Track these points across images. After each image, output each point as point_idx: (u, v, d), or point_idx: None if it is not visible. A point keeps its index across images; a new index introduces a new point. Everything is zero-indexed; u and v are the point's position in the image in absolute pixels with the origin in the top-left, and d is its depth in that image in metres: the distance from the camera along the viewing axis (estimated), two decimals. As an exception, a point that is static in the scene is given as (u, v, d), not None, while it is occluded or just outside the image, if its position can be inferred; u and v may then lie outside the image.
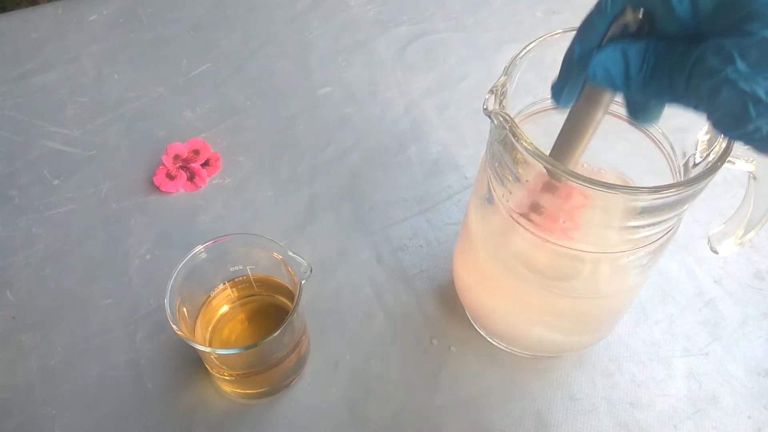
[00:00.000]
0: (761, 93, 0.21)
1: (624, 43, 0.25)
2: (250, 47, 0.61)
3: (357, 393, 0.41)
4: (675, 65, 0.23)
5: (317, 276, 0.46)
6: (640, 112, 0.28)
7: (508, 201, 0.33)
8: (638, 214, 0.29)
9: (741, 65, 0.21)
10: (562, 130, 0.29)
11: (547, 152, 0.29)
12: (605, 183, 0.27)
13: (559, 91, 0.28)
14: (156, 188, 0.51)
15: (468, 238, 0.39)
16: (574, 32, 0.27)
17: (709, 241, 0.36)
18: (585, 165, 0.38)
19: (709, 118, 0.23)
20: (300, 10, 0.65)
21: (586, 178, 0.27)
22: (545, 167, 0.28)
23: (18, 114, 0.56)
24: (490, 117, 0.29)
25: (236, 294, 0.41)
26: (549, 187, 0.30)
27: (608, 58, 0.25)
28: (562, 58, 0.27)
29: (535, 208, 0.31)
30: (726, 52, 0.21)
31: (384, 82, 0.59)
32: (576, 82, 0.27)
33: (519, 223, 0.32)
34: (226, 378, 0.39)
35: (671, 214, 0.29)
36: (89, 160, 0.53)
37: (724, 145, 0.28)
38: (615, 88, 0.26)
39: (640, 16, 0.24)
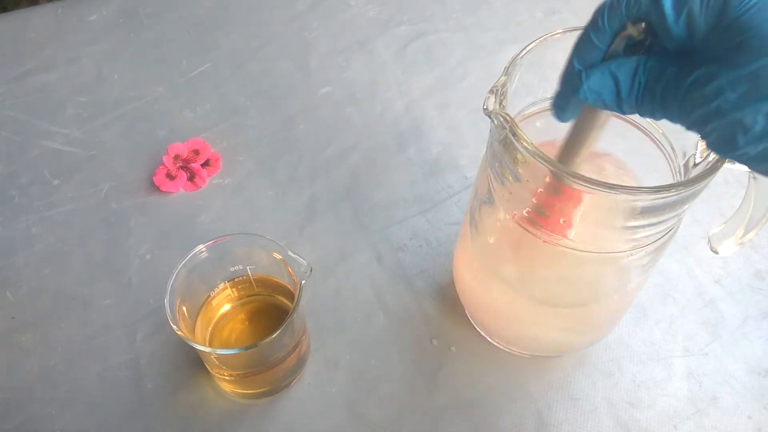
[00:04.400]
0: (749, 122, 0.22)
1: (613, 65, 0.25)
2: (250, 47, 0.61)
3: (357, 393, 0.41)
4: (667, 89, 0.24)
5: (317, 276, 0.46)
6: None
7: (508, 201, 0.33)
8: (638, 214, 0.29)
9: (731, 96, 0.22)
10: (566, 135, 0.29)
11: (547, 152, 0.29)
12: (605, 183, 0.27)
13: (561, 108, 0.28)
14: (156, 188, 0.51)
15: (468, 238, 0.39)
16: (575, 32, 0.27)
17: (709, 241, 0.36)
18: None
19: (703, 138, 0.24)
20: (300, 10, 0.65)
21: (587, 178, 0.27)
22: (545, 167, 0.28)
23: (18, 114, 0.56)
24: (490, 117, 0.29)
25: (236, 294, 0.41)
26: (553, 190, 0.30)
27: (598, 83, 0.25)
28: (562, 61, 0.27)
29: (540, 210, 0.31)
30: (717, 83, 0.22)
31: (384, 82, 0.59)
32: (577, 98, 0.27)
33: (520, 225, 0.32)
34: (226, 378, 0.39)
35: (671, 214, 0.29)
36: (89, 160, 0.53)
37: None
38: (607, 109, 0.26)
39: (643, 27, 0.25)
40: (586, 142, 0.28)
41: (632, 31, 0.25)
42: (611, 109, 0.26)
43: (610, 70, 0.25)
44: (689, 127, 0.24)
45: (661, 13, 0.23)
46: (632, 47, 0.25)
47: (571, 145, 0.29)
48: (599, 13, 0.25)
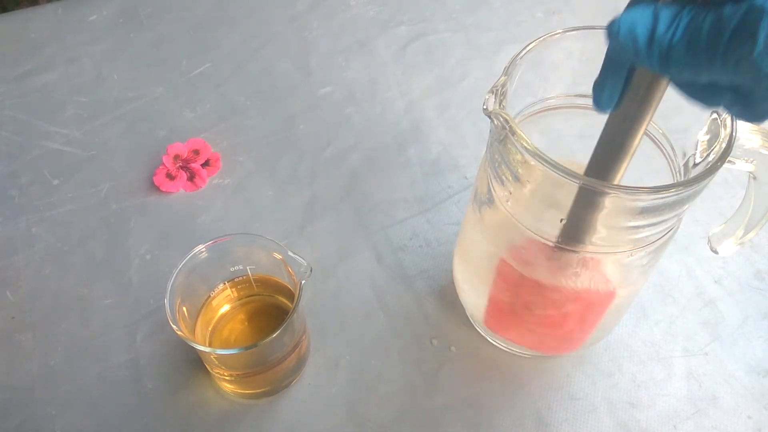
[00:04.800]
0: None
1: (659, 5, 0.23)
2: (250, 47, 0.61)
3: (357, 393, 0.41)
4: (713, 28, 0.21)
5: (317, 276, 0.46)
6: (690, 90, 0.25)
7: (508, 201, 0.33)
8: (638, 215, 0.29)
9: None
10: (598, 143, 0.28)
11: (547, 152, 0.29)
12: (605, 183, 0.27)
13: (600, 87, 0.26)
14: (156, 188, 0.51)
15: (467, 239, 0.39)
16: (575, 32, 0.27)
17: (709, 241, 0.36)
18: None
19: (750, 89, 0.21)
20: (300, 10, 0.65)
21: (586, 178, 0.27)
22: (545, 167, 0.28)
23: (18, 114, 0.56)
24: (490, 117, 0.29)
25: (236, 294, 0.41)
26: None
27: (636, 14, 0.23)
28: (562, 61, 0.27)
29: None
30: None
31: (384, 82, 0.59)
32: (618, 74, 0.25)
33: (520, 224, 0.32)
34: (226, 378, 0.39)
35: (671, 215, 0.29)
36: (89, 160, 0.53)
37: (724, 145, 0.28)
38: (636, 52, 0.23)
39: None
40: (625, 153, 0.27)
41: None
42: (641, 54, 0.23)
43: (653, 6, 0.23)
44: (732, 78, 0.22)
45: None
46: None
47: (606, 159, 0.27)
48: None
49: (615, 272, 0.35)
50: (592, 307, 0.36)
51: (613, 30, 0.24)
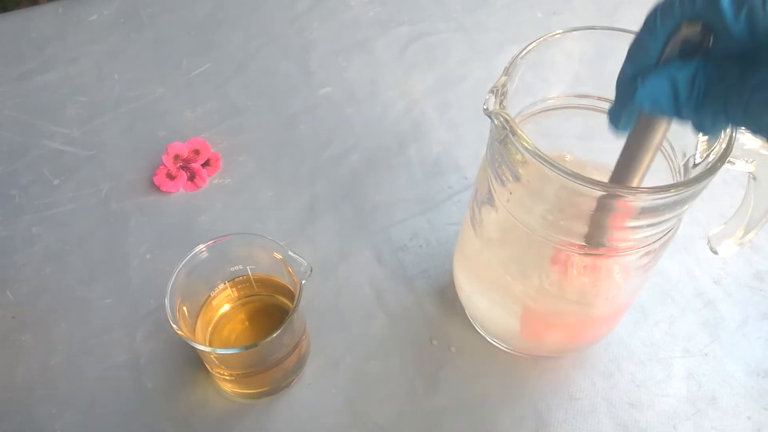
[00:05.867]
0: None
1: (671, 69, 0.23)
2: (250, 47, 0.61)
3: (357, 393, 0.41)
4: (730, 92, 0.22)
5: (318, 276, 0.46)
6: (703, 128, 0.26)
7: (508, 201, 0.33)
8: (638, 215, 0.29)
9: None
10: (621, 154, 0.28)
11: (548, 152, 0.29)
12: (605, 184, 0.27)
13: (616, 116, 0.26)
14: (156, 188, 0.51)
15: (467, 239, 0.39)
16: (575, 32, 0.27)
17: (708, 241, 0.36)
18: (568, 158, 0.38)
19: None
20: (300, 11, 0.65)
21: (586, 177, 0.27)
22: (544, 167, 0.28)
23: (18, 114, 0.56)
24: (490, 117, 0.29)
25: (236, 294, 0.41)
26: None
27: (655, 87, 0.23)
28: (562, 61, 0.27)
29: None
30: None
31: (384, 83, 0.59)
32: (633, 105, 0.25)
33: (521, 224, 0.32)
34: (226, 378, 0.39)
35: (671, 215, 0.29)
36: (89, 160, 0.53)
37: (724, 145, 0.28)
38: (666, 116, 0.24)
39: (699, 27, 0.23)
40: (643, 157, 0.27)
41: (688, 31, 0.23)
42: (670, 116, 0.24)
43: (667, 74, 0.23)
44: (757, 132, 0.22)
45: (719, 10, 0.21)
46: (689, 51, 0.24)
47: (627, 163, 0.28)
48: (652, 13, 0.24)
49: (614, 273, 0.35)
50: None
51: (636, 104, 0.24)
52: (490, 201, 0.34)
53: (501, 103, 0.30)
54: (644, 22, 0.24)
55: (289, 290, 0.40)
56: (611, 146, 0.29)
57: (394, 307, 0.45)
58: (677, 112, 0.24)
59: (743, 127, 0.23)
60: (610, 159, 0.29)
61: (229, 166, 0.53)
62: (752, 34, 0.21)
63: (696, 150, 0.30)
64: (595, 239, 0.31)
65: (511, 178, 0.31)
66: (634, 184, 0.28)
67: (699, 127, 0.26)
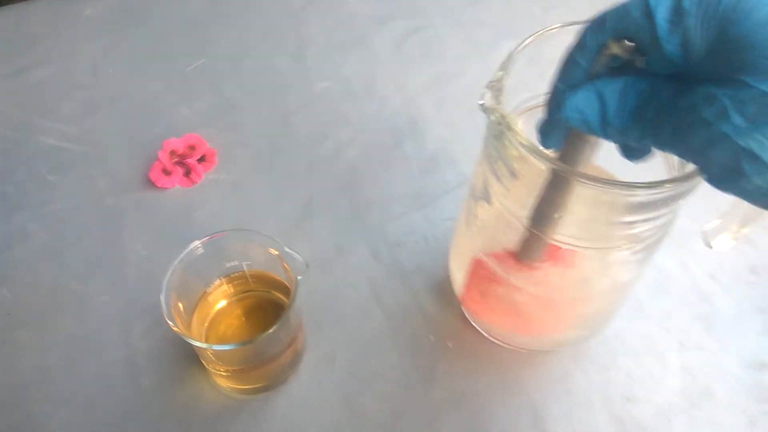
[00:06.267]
0: (757, 149, 0.19)
1: (600, 83, 0.23)
2: (246, 43, 0.61)
3: (353, 389, 0.41)
4: (660, 112, 0.22)
5: (314, 272, 0.46)
6: (628, 150, 0.27)
7: (504, 197, 0.33)
8: (634, 210, 0.29)
9: (737, 119, 0.19)
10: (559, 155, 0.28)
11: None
12: (601, 179, 0.27)
13: (546, 132, 0.27)
14: (152, 184, 0.51)
15: (464, 234, 0.39)
16: (572, 27, 0.27)
17: (704, 236, 0.37)
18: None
19: (700, 170, 0.22)
20: (297, 6, 0.64)
21: (582, 173, 0.27)
22: (541, 163, 0.28)
23: (14, 110, 0.55)
24: (486, 112, 0.29)
25: (232, 290, 0.41)
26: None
27: (582, 101, 0.23)
28: (559, 56, 0.27)
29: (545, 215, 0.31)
30: (720, 105, 0.20)
31: (381, 78, 0.59)
32: (561, 120, 0.25)
33: (516, 219, 0.32)
34: (222, 374, 0.39)
35: (667, 210, 0.29)
36: (85, 156, 0.53)
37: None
38: (591, 132, 0.24)
39: (627, 45, 0.23)
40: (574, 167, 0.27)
41: (616, 49, 0.23)
42: (595, 133, 0.24)
43: (595, 89, 0.23)
44: (684, 156, 0.22)
45: (653, 27, 0.21)
46: (618, 68, 0.23)
47: (550, 198, 0.28)
48: (585, 29, 0.23)
49: (610, 267, 0.35)
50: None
51: (561, 116, 0.24)
52: (486, 196, 0.34)
53: (497, 98, 0.30)
54: (576, 38, 0.24)
55: (285, 286, 0.40)
56: (606, 142, 0.29)
57: (391, 303, 0.45)
58: (603, 128, 0.23)
59: (670, 151, 0.23)
60: (605, 155, 0.29)
61: (225, 162, 0.53)
62: (685, 54, 0.21)
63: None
64: (588, 233, 0.31)
65: (507, 174, 0.31)
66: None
67: (623, 150, 0.27)
